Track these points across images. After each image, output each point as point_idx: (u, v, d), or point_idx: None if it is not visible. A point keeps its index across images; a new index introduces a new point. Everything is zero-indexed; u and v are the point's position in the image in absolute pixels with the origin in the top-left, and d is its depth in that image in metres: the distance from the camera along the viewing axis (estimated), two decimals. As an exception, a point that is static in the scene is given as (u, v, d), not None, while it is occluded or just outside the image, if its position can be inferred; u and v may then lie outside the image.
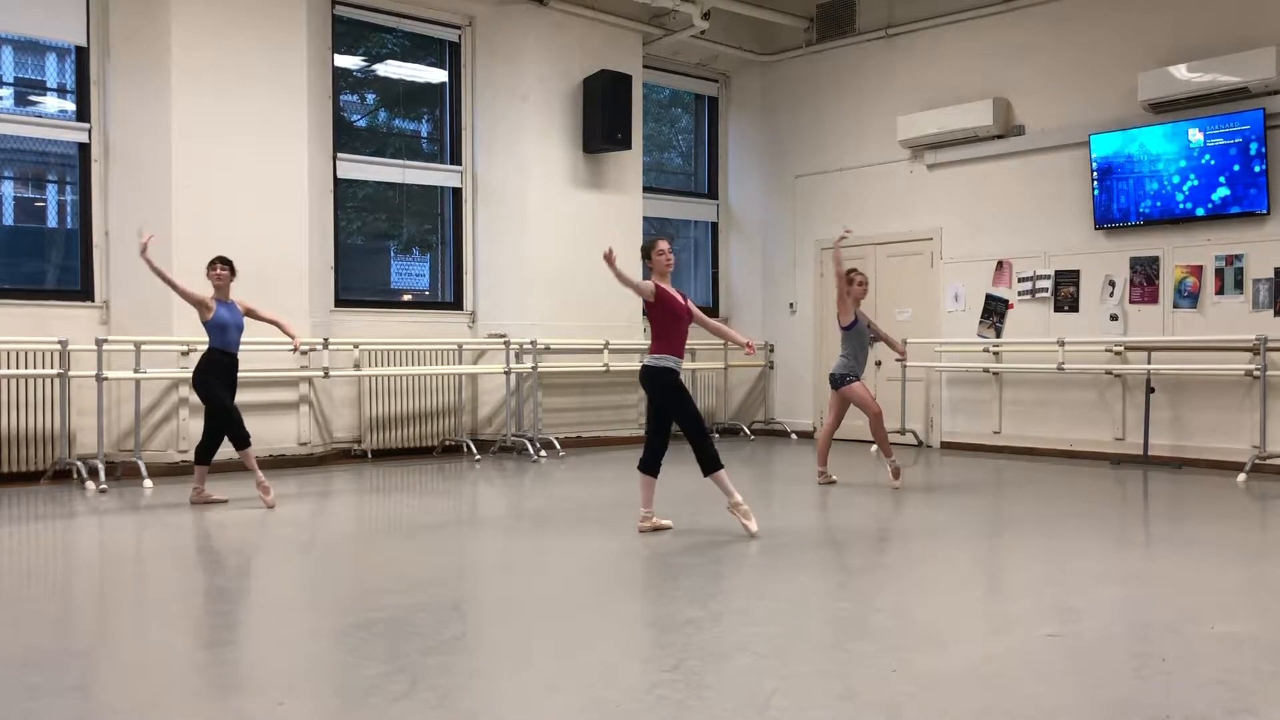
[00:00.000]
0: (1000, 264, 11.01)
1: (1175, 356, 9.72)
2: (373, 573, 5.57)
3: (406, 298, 11.62)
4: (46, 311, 8.85)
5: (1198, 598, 4.80)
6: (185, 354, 8.79)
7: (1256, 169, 9.14)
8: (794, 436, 12.73)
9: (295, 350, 8.10)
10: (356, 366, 10.14)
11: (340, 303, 10.49)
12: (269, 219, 9.43)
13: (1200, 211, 9.50)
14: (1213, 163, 9.39)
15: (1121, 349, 9.99)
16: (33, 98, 9.45)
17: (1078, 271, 10.41)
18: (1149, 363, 9.73)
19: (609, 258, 6.09)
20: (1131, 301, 10.03)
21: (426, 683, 3.58)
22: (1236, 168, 9.25)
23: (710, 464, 6.27)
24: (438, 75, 11.51)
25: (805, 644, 4.13)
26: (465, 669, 3.83)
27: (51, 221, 9.68)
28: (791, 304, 13.03)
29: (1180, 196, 9.62)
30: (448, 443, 10.87)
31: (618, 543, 6.15)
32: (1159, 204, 9.76)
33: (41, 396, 8.66)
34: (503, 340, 10.78)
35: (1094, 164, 10.12)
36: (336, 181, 10.52)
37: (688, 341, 6.53)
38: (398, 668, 3.72)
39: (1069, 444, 10.45)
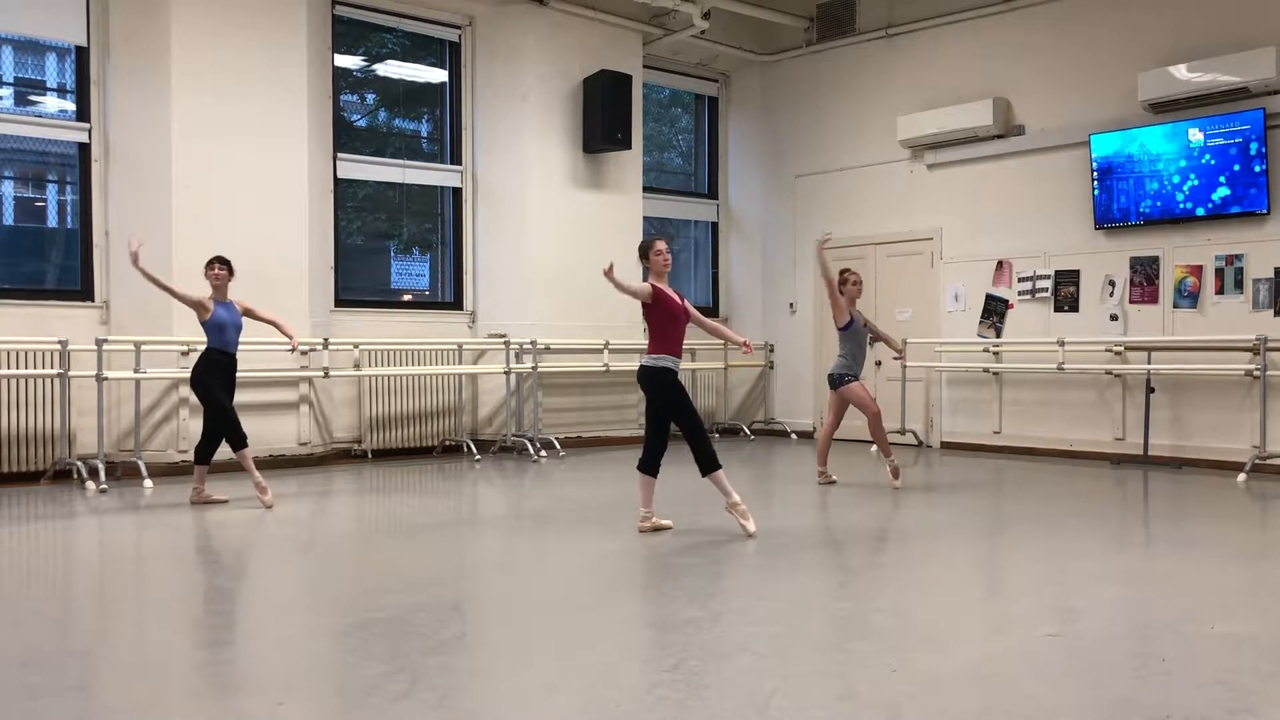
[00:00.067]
0: (1000, 264, 11.01)
1: (1175, 356, 9.72)
2: (373, 573, 5.57)
3: (406, 298, 11.62)
4: (46, 311, 8.85)
5: (1198, 598, 4.80)
6: (185, 354, 8.79)
7: (1256, 169, 9.14)
8: (794, 436, 12.73)
9: (293, 351, 8.10)
10: (356, 366, 10.14)
11: (340, 303, 10.49)
12: (269, 219, 9.43)
13: (1200, 211, 9.51)
14: (1213, 162, 9.39)
15: (1121, 349, 9.99)
16: (33, 98, 9.45)
17: (1078, 271, 10.41)
18: (1149, 363, 9.73)
19: (609, 274, 6.10)
20: (1131, 301, 10.03)
21: (426, 683, 3.58)
22: (1236, 168, 9.25)
23: (708, 464, 6.27)
24: (438, 75, 11.51)
25: (805, 644, 4.13)
26: (465, 669, 3.83)
27: (51, 221, 9.68)
28: (791, 304, 13.03)
29: (1180, 196, 9.62)
30: (448, 443, 10.87)
31: (618, 543, 6.15)
32: (1159, 204, 9.76)
33: (41, 396, 8.66)
34: (503, 340, 10.78)
35: (1094, 164, 10.12)
36: (336, 181, 10.53)
37: (687, 341, 6.53)
38: (398, 668, 3.72)
39: (1069, 444, 10.45)
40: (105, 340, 8.47)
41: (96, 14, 9.13)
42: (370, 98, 11.64)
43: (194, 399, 7.90)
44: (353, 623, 4.39)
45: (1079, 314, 10.39)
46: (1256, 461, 8.82)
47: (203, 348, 7.59)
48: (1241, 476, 8.70)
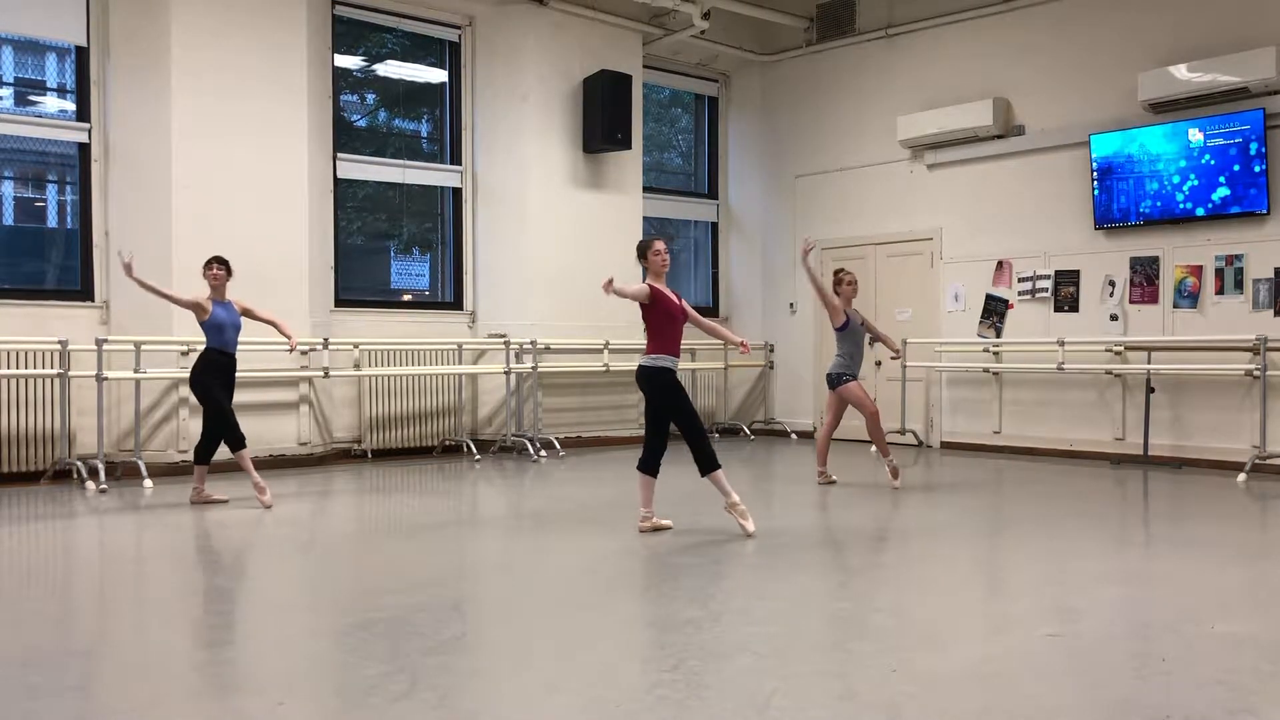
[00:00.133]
0: (1000, 264, 11.01)
1: (1175, 356, 9.72)
2: (373, 573, 5.57)
3: (406, 298, 11.62)
4: (46, 311, 8.85)
5: (1198, 598, 4.80)
6: (185, 354, 8.79)
7: (1256, 169, 9.14)
8: (794, 436, 12.73)
9: (291, 351, 8.11)
10: (356, 366, 10.14)
11: (340, 303, 10.49)
12: (269, 219, 9.43)
13: (1200, 211, 9.50)
14: (1213, 163, 9.39)
15: (1121, 349, 9.99)
16: (33, 98, 9.45)
17: (1078, 271, 10.41)
18: (1149, 363, 9.73)
19: (607, 289, 6.09)
20: (1131, 301, 10.03)
21: (426, 683, 3.58)
22: (1236, 168, 9.25)
23: (708, 464, 6.27)
24: (438, 75, 11.51)
25: (805, 644, 4.13)
26: (465, 669, 3.83)
27: (51, 221, 9.68)
28: (791, 304, 13.03)
29: (1180, 196, 9.62)
30: (448, 443, 10.87)
31: (618, 543, 6.15)
32: (1159, 204, 9.76)
33: (41, 396, 8.66)
34: (503, 340, 10.78)
35: (1094, 164, 10.12)
36: (336, 181, 10.53)
37: (687, 341, 6.53)
38: (398, 668, 3.72)
39: (1069, 444, 10.45)
40: (105, 340, 8.47)
41: (96, 14, 9.13)
42: (370, 98, 11.64)
43: (194, 399, 7.90)
44: (353, 623, 4.39)
45: (1079, 314, 10.39)
46: (1256, 461, 8.82)
47: (202, 348, 7.60)
48: (1241, 476, 8.70)
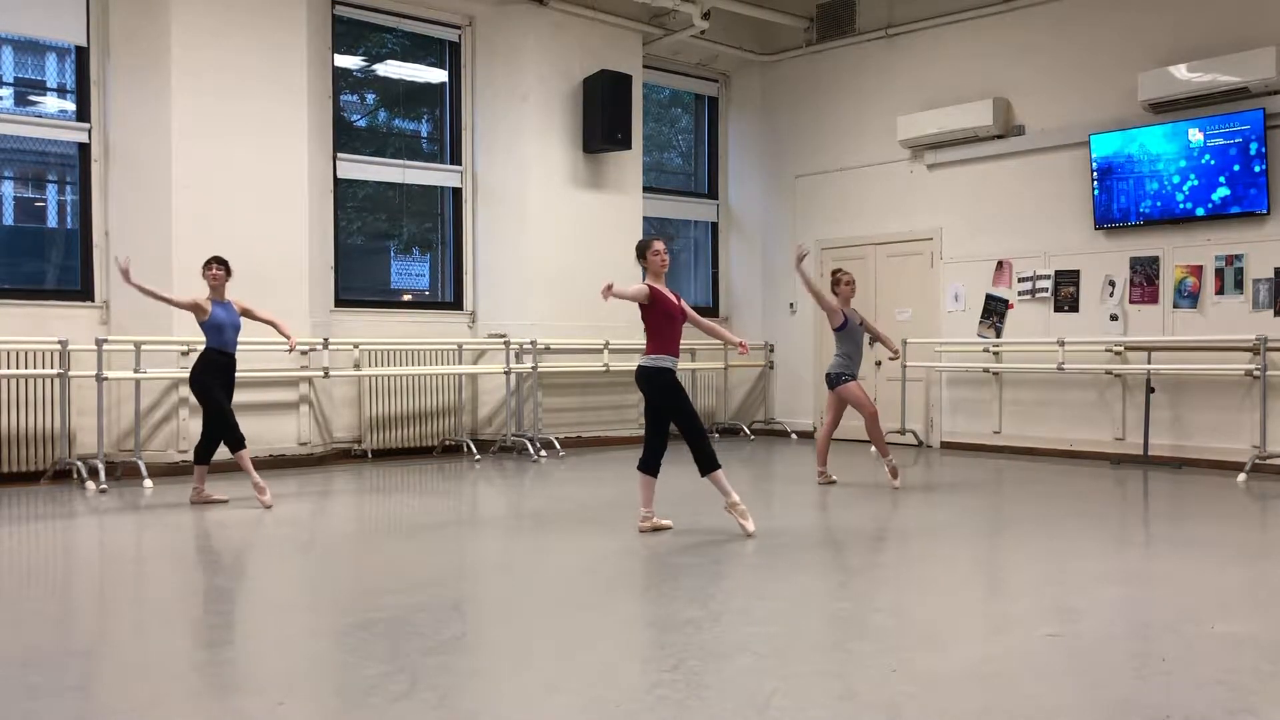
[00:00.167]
0: (1000, 264, 11.01)
1: (1175, 356, 9.72)
2: (373, 573, 5.57)
3: (406, 298, 11.62)
4: (46, 311, 8.85)
5: (1198, 598, 4.80)
6: (185, 354, 8.79)
7: (1256, 169, 9.14)
8: (794, 436, 12.73)
9: (291, 351, 8.11)
10: (356, 366, 10.14)
11: (340, 303, 10.49)
12: (269, 219, 9.43)
13: (1200, 211, 9.51)
14: (1213, 163, 9.39)
15: (1121, 349, 9.99)
16: (33, 98, 9.45)
17: (1078, 271, 10.41)
18: (1149, 363, 9.73)
19: (606, 294, 6.08)
20: (1131, 301, 10.03)
21: (426, 683, 3.58)
22: (1236, 168, 9.25)
23: (707, 464, 6.27)
24: (438, 75, 11.51)
25: (805, 644, 4.13)
26: (465, 669, 3.83)
27: (51, 221, 9.68)
28: (791, 304, 13.03)
29: (1180, 196, 9.62)
30: (448, 443, 10.87)
31: (618, 543, 6.15)
32: (1159, 204, 9.76)
33: (41, 396, 8.66)
34: (503, 340, 10.78)
35: (1094, 164, 10.12)
36: (336, 181, 10.53)
37: (687, 341, 6.52)
38: (398, 668, 3.72)
39: (1069, 444, 10.45)
40: (105, 340, 8.47)
41: (96, 14, 9.13)
42: (370, 98, 11.64)
43: (194, 399, 7.91)
44: (353, 623, 4.39)
45: (1079, 314, 10.39)
46: (1256, 461, 8.82)
47: (202, 348, 7.60)
48: (1241, 476, 8.70)
